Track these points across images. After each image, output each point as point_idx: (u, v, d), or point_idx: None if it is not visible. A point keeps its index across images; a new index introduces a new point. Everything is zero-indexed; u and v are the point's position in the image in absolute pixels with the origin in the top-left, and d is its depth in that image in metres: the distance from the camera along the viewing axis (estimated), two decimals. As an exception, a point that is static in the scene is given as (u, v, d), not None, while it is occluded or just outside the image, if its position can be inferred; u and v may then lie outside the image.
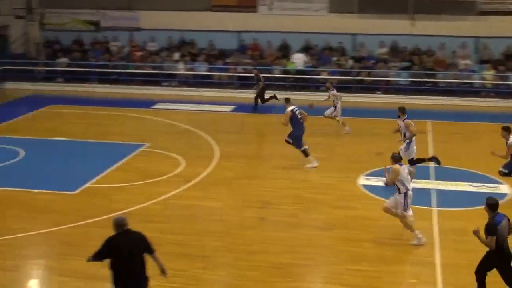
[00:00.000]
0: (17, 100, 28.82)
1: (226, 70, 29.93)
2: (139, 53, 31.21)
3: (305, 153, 17.98)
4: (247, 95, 26.39)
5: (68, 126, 23.64)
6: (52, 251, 13.02)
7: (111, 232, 9.30)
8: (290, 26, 29.83)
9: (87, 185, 16.74)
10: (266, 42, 30.60)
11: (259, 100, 25.38)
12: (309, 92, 28.39)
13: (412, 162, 16.56)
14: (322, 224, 14.19)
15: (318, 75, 29.10)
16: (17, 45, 33.09)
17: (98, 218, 14.21)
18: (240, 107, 25.69)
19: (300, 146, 17.97)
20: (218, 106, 25.80)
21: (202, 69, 29.89)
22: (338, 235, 13.60)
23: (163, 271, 9.45)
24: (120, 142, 21.04)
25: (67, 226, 14.04)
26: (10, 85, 31.05)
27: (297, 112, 17.94)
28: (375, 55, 29.66)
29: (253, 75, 25.93)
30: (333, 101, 21.62)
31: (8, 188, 16.49)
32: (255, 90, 25.35)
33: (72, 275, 11.74)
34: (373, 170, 17.40)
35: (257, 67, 26.88)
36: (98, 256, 9.24)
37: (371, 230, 13.81)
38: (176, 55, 30.85)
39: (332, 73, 28.96)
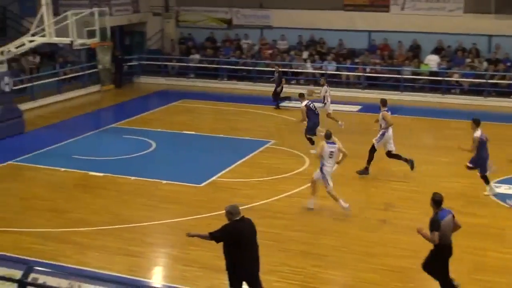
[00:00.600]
0: (151, 94, 30.03)
1: (354, 69, 29.68)
2: (269, 51, 31.57)
3: (311, 141, 19.30)
4: (375, 95, 26.02)
5: (198, 120, 24.35)
6: (176, 241, 13.49)
7: (231, 226, 9.52)
8: (422, 26, 29.08)
9: (213, 178, 17.20)
10: (397, 42, 30.04)
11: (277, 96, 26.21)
12: (440, 95, 27.65)
13: (389, 155, 17.32)
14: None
15: (450, 77, 28.25)
16: (153, 41, 34.41)
17: (220, 212, 14.48)
18: (367, 107, 25.35)
19: (311, 133, 19.30)
20: (344, 105, 25.64)
21: (330, 68, 29.79)
22: (463, 242, 13.12)
23: None
24: (247, 138, 21.42)
25: (191, 217, 14.51)
26: (145, 79, 32.40)
27: (311, 106, 19.30)
28: (512, 58, 28.41)
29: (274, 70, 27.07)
30: (324, 97, 22.26)
31: (139, 178, 17.26)
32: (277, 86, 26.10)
33: (192, 264, 12.18)
34: (504, 177, 16.70)
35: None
36: (216, 237, 9.48)
37: (497, 239, 13.32)
38: (305, 54, 30.96)
39: (465, 75, 28.03)
